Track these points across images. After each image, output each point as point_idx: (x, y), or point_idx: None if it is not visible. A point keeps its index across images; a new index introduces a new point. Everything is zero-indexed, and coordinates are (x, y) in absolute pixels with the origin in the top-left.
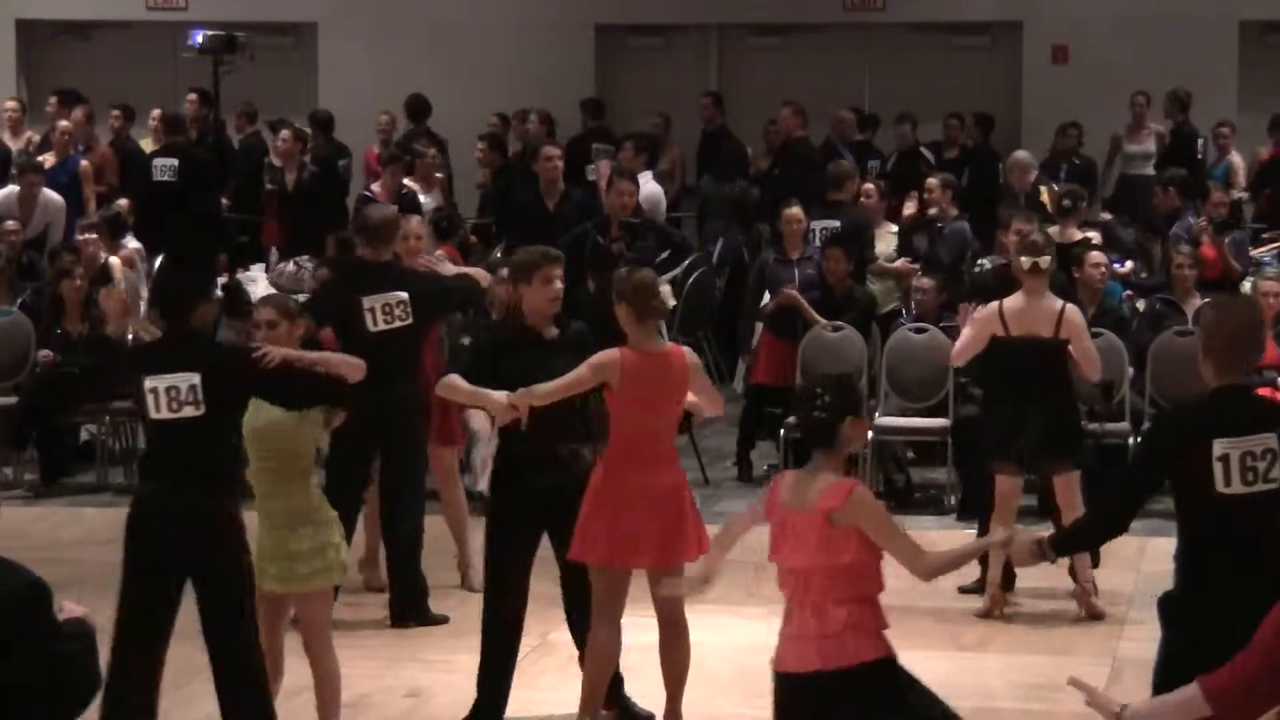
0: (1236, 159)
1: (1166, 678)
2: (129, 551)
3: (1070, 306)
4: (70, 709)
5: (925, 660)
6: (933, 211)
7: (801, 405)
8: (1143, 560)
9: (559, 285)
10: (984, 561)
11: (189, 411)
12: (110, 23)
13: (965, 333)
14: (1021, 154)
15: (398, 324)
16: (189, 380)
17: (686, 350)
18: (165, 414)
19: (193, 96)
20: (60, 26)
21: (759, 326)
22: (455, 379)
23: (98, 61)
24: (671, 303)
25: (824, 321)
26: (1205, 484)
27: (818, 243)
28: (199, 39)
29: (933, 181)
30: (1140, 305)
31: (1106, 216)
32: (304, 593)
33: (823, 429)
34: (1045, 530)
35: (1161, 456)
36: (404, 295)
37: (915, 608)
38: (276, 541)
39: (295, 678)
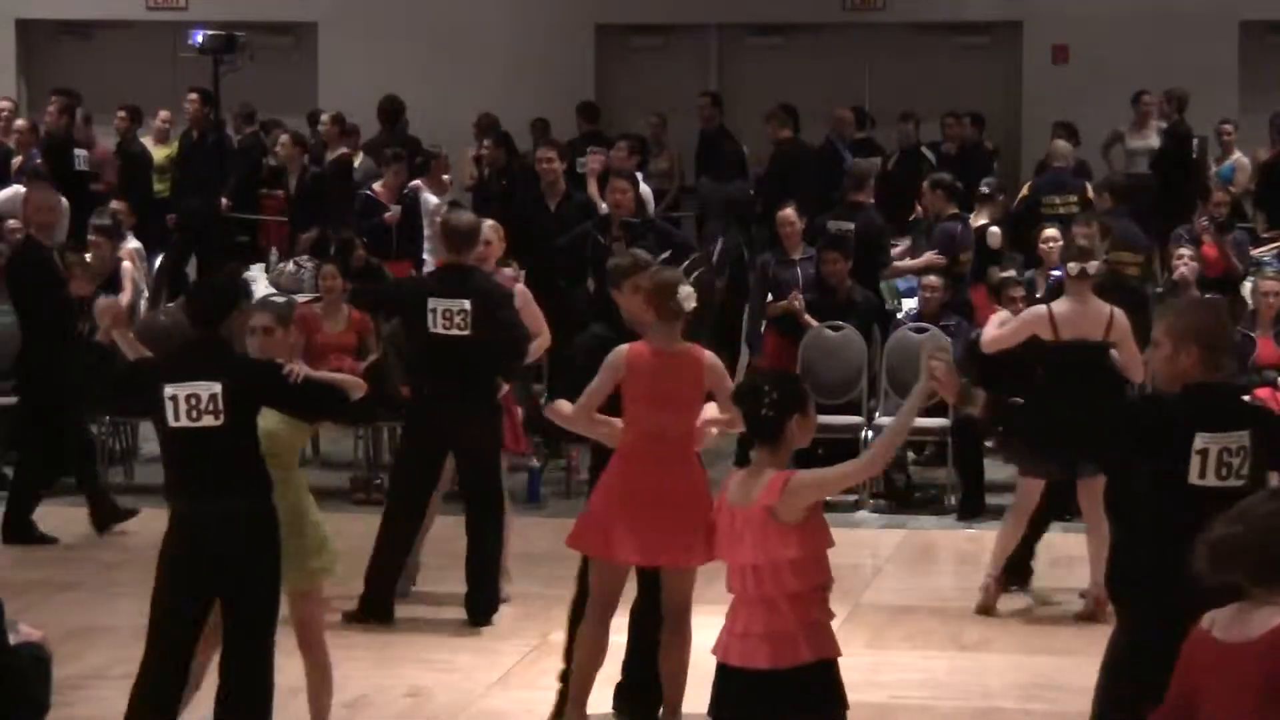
0: (1244, 158)
1: (1136, 671)
2: (168, 571)
3: (1119, 311)
4: None
5: (925, 660)
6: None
7: (746, 400)
8: None
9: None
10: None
11: (208, 421)
12: (110, 23)
13: (1008, 326)
14: (1061, 144)
15: (456, 332)
16: (210, 389)
17: (708, 354)
18: (184, 422)
19: (193, 96)
20: (60, 26)
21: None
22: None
23: (98, 61)
24: (691, 305)
25: (817, 324)
26: (1180, 474)
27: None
28: (199, 39)
29: (925, 184)
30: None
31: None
32: (307, 590)
33: (768, 426)
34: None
35: (1148, 436)
36: (468, 304)
37: (916, 608)
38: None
39: (294, 678)
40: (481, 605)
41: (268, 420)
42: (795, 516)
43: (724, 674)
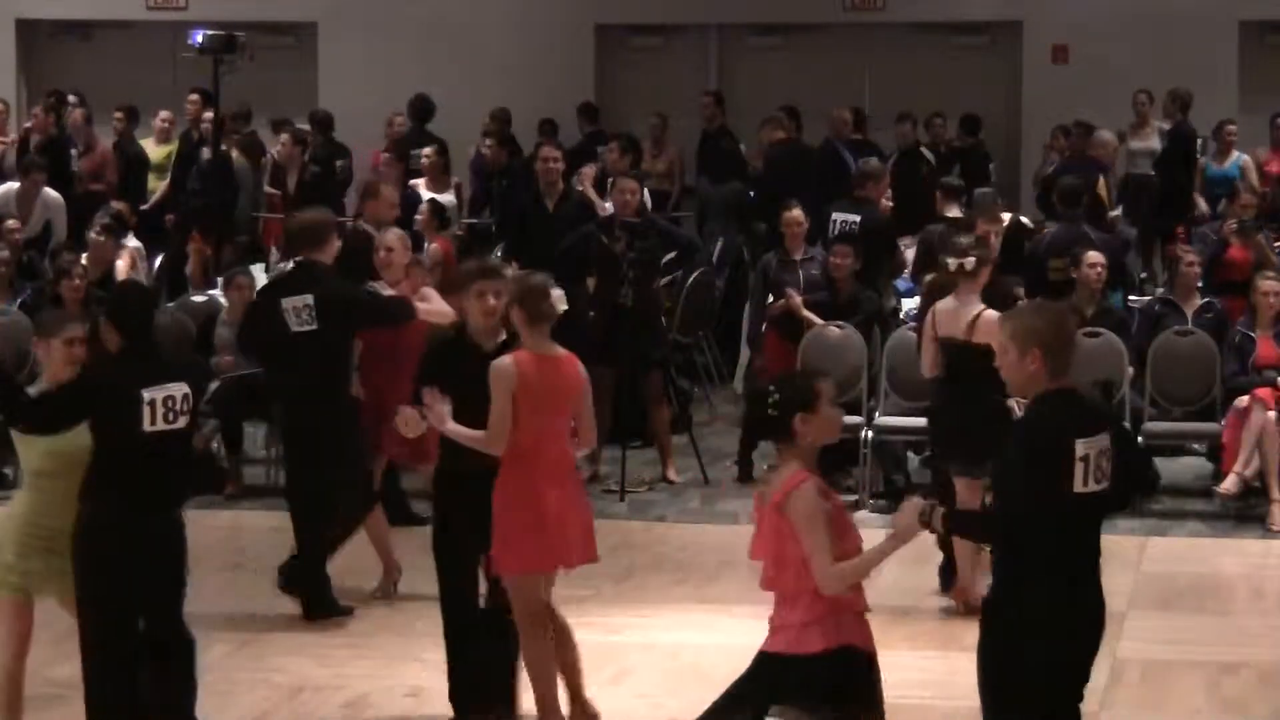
0: (1246, 157)
1: (1027, 677)
2: (125, 580)
3: (989, 312)
4: None
5: (926, 660)
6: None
7: (755, 403)
8: (1143, 560)
9: (493, 300)
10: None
11: (181, 422)
12: (110, 23)
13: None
14: (1104, 134)
15: (306, 327)
16: (182, 389)
17: (579, 363)
18: (160, 426)
19: (194, 97)
20: (60, 26)
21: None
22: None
23: (98, 61)
24: (563, 308)
25: (823, 323)
26: (1067, 484)
27: (836, 232)
28: (199, 39)
29: (938, 193)
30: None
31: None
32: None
33: (774, 426)
34: None
35: (1048, 455)
36: (311, 299)
37: (917, 608)
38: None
39: (294, 678)
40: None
41: (56, 441)
42: (798, 521)
43: (763, 661)
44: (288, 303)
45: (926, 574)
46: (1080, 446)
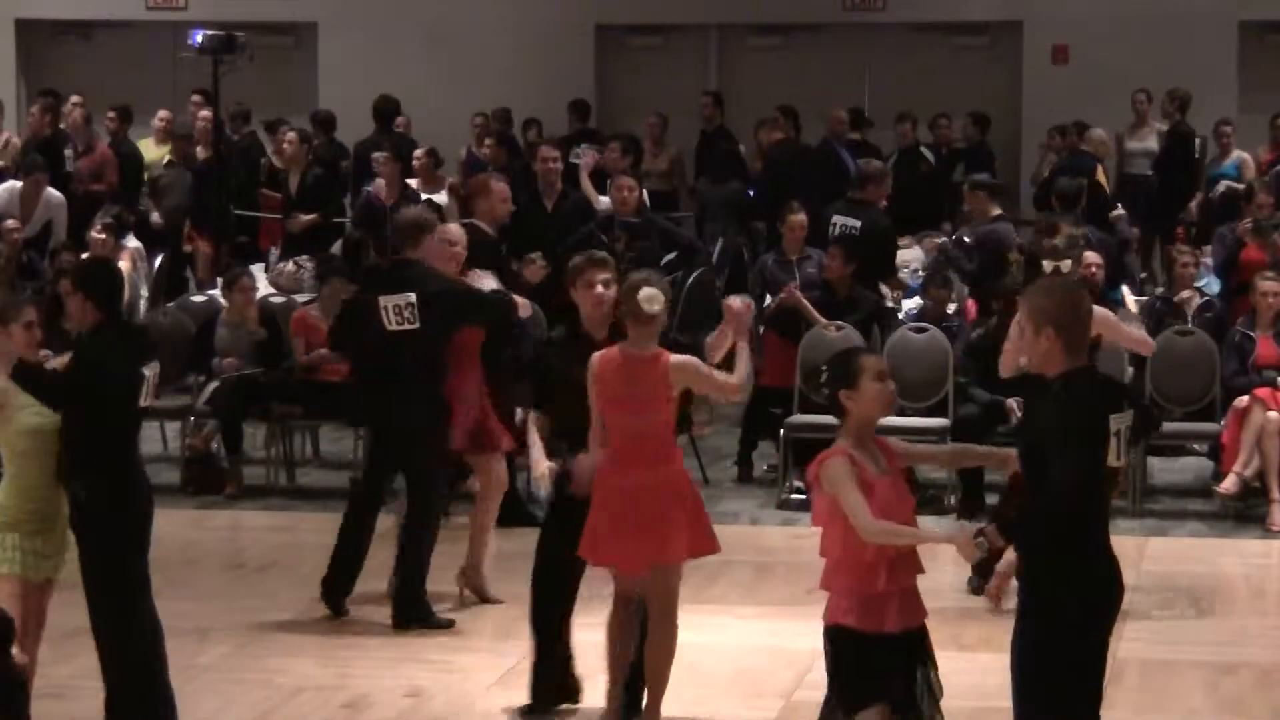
0: (1245, 155)
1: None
2: (139, 539)
3: (1097, 308)
4: None
5: None
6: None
7: (813, 382)
8: (1143, 560)
9: (600, 290)
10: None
11: (150, 399)
12: (110, 23)
13: (1009, 341)
14: (1098, 132)
15: (407, 326)
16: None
17: (673, 356)
18: (149, 401)
19: (198, 98)
20: (60, 26)
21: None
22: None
23: (98, 61)
24: (653, 307)
25: (825, 321)
26: (1104, 459)
27: (836, 235)
28: (199, 39)
29: (964, 188)
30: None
31: (1119, 212)
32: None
33: (827, 405)
34: None
35: (1091, 432)
36: (413, 297)
37: None
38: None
39: (294, 678)
40: (397, 607)
41: (34, 418)
42: (830, 490)
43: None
44: (386, 301)
45: (927, 574)
46: (1113, 422)
